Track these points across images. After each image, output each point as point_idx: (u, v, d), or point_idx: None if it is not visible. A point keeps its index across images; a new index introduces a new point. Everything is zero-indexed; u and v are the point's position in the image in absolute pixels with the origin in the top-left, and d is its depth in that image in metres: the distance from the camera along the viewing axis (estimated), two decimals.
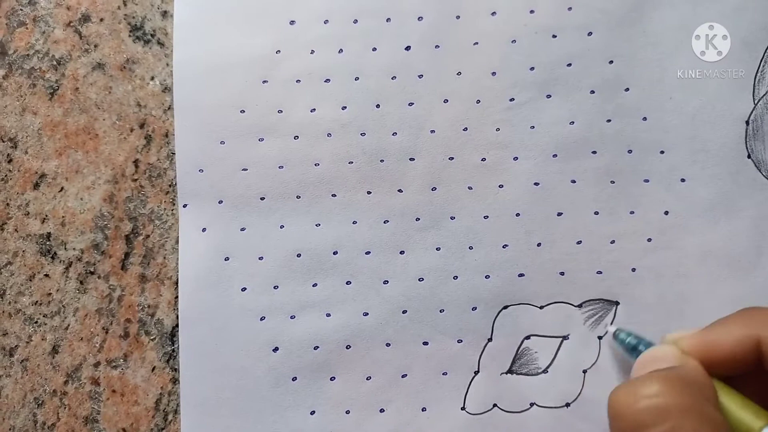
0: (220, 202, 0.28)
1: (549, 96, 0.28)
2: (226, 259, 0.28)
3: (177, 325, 0.28)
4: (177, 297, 0.28)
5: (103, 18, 0.29)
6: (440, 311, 0.28)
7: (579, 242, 0.28)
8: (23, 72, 0.29)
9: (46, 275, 0.28)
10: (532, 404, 0.27)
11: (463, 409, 0.27)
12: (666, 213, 0.28)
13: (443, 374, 0.27)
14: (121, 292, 0.28)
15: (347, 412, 0.27)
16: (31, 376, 0.28)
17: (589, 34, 0.28)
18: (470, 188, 0.28)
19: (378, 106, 0.28)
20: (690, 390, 0.19)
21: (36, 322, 0.28)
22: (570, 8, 0.28)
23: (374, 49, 0.28)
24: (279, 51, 0.28)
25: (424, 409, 0.27)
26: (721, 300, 0.27)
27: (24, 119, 0.29)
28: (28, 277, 0.28)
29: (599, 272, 0.27)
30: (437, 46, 0.28)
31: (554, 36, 0.28)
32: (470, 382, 0.27)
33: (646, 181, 0.28)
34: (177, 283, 0.28)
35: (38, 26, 0.29)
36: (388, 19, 0.28)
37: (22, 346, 0.28)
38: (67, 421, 0.27)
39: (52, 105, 0.29)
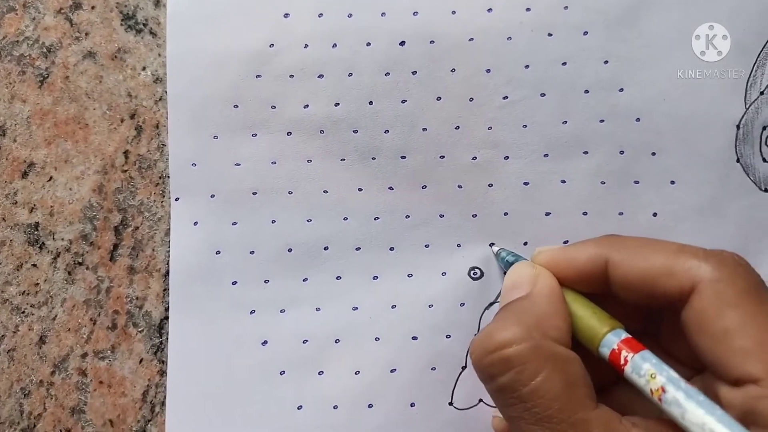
0: (213, 196, 0.28)
1: (543, 95, 0.28)
2: (218, 252, 0.28)
3: (165, 318, 0.28)
4: (165, 289, 0.28)
5: (94, 6, 0.29)
6: (429, 306, 0.28)
7: (566, 242, 0.28)
8: (12, 59, 0.28)
9: (34, 265, 0.28)
10: None
11: (450, 404, 0.27)
12: (654, 215, 0.28)
13: (432, 369, 0.28)
14: (109, 283, 0.28)
15: (335, 407, 0.27)
16: (17, 366, 0.28)
17: (585, 33, 0.28)
18: (460, 187, 0.28)
19: (371, 103, 0.28)
20: (534, 332, 0.20)
21: (23, 312, 0.28)
22: (566, 7, 0.28)
23: (368, 44, 0.28)
24: (273, 45, 0.28)
25: (412, 405, 0.27)
26: None
27: (13, 107, 0.28)
28: (15, 267, 0.28)
29: None
30: (432, 42, 0.28)
31: (550, 34, 0.28)
32: (458, 378, 0.28)
33: (636, 182, 0.28)
34: (165, 275, 0.28)
35: (28, 12, 0.28)
36: (383, 14, 0.28)
37: (9, 336, 0.28)
38: (53, 412, 0.27)
39: (42, 93, 0.28)
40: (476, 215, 0.28)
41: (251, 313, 0.28)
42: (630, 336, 0.21)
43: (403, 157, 0.28)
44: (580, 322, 0.22)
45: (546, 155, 0.28)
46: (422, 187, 0.28)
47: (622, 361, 0.20)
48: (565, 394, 0.19)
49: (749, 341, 0.18)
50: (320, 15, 0.28)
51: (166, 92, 0.28)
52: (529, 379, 0.19)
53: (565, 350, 0.20)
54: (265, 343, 0.27)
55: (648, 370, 0.19)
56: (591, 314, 0.22)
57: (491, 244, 0.28)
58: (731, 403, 0.18)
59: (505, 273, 0.26)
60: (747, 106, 0.28)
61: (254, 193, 0.28)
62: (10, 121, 0.28)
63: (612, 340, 0.20)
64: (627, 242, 0.22)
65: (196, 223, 0.28)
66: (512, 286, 0.23)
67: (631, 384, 0.20)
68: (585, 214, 0.28)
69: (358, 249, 0.28)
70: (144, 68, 0.28)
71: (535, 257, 0.24)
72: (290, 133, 0.28)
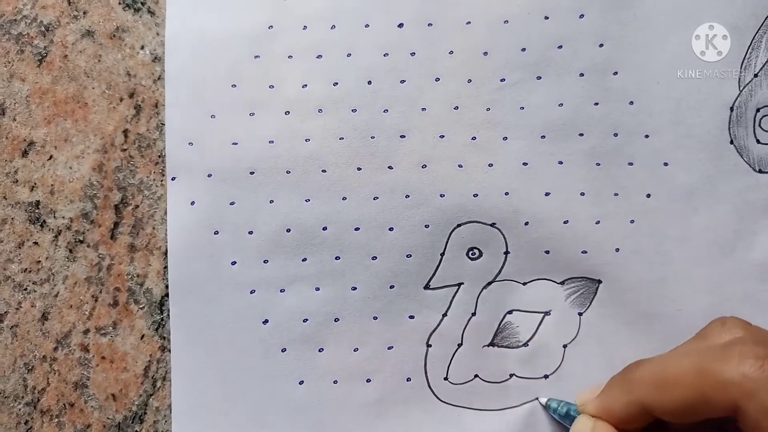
0: (210, 175, 0.28)
1: (539, 77, 0.28)
2: (216, 232, 0.28)
3: (166, 295, 0.28)
4: (166, 267, 0.28)
5: None
6: (427, 287, 0.28)
7: (565, 222, 0.28)
8: (11, 37, 0.28)
9: (35, 243, 0.28)
10: (511, 375, 0.28)
11: (446, 379, 0.28)
12: (648, 196, 0.28)
13: (428, 346, 0.28)
14: (110, 261, 0.28)
15: (335, 382, 0.28)
16: (20, 342, 0.28)
17: (581, 16, 0.28)
18: (460, 166, 0.28)
19: (370, 82, 0.28)
20: None
21: (25, 289, 0.28)
22: None
23: (367, 26, 0.28)
24: (272, 26, 0.28)
25: (408, 380, 0.28)
26: (699, 282, 0.28)
27: (12, 86, 0.28)
28: (17, 245, 0.28)
29: (584, 252, 0.28)
30: (430, 24, 0.28)
31: (546, 17, 0.28)
32: (453, 355, 0.28)
33: (631, 164, 0.28)
34: (166, 253, 0.28)
35: None
36: None
37: (12, 313, 0.28)
38: (57, 386, 0.28)
39: (41, 72, 0.28)
40: (477, 195, 0.28)
41: (251, 292, 0.28)
42: None
43: (403, 137, 0.28)
44: None
45: (543, 136, 0.28)
46: (422, 167, 0.28)
47: None
48: None
49: None
50: None
51: (164, 71, 0.28)
52: None
53: None
54: (266, 321, 0.28)
55: None
56: None
57: (537, 398, 0.28)
58: None
59: (555, 417, 0.27)
60: (741, 88, 0.28)
61: (252, 173, 0.28)
62: (10, 100, 0.28)
63: None
64: (647, 376, 0.22)
65: (193, 203, 0.28)
66: None
67: None
68: (582, 194, 0.28)
69: (357, 229, 0.28)
70: (142, 47, 0.29)
71: (581, 409, 0.25)
72: (288, 112, 0.28)
